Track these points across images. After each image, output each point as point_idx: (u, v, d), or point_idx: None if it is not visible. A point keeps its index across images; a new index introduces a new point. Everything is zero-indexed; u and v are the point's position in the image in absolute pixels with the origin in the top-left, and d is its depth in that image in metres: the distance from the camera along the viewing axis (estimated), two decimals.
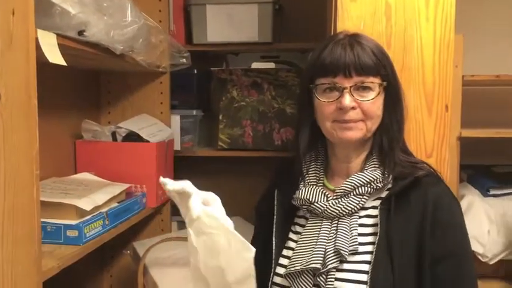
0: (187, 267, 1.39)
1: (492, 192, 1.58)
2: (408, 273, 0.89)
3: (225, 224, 0.87)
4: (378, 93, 0.95)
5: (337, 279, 0.92)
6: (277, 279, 0.99)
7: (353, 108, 0.95)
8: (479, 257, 1.47)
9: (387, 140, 0.98)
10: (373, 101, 0.95)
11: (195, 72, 1.77)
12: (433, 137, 1.09)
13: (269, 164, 1.62)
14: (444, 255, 0.90)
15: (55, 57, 0.95)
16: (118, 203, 1.35)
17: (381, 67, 0.95)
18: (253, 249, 0.84)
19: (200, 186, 2.24)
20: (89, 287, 1.69)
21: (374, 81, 0.95)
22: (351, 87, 0.94)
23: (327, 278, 0.92)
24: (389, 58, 0.99)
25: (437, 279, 0.89)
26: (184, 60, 1.57)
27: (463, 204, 1.51)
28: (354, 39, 0.97)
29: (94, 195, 1.23)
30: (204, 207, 0.89)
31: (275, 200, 1.06)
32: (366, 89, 0.95)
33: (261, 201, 1.13)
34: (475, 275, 0.94)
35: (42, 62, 0.90)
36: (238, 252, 0.82)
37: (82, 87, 1.62)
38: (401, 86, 1.01)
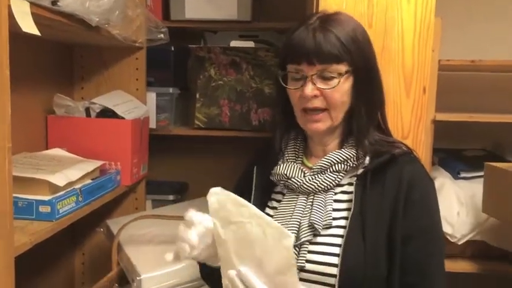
0: (163, 244, 1.40)
1: (462, 175, 1.62)
2: (379, 248, 0.91)
3: (255, 211, 0.81)
4: (340, 81, 0.94)
5: (310, 251, 0.94)
6: None
7: (315, 96, 0.95)
8: (449, 237, 1.51)
9: (356, 124, 0.98)
10: (335, 89, 0.94)
11: (172, 49, 1.74)
12: (410, 119, 1.11)
13: (246, 144, 1.62)
14: (415, 233, 0.92)
15: (28, 26, 0.91)
16: (92, 179, 1.32)
17: (345, 54, 0.93)
18: (292, 236, 0.80)
19: (176, 166, 2.23)
20: (61, 265, 1.66)
21: (337, 70, 0.94)
22: (313, 75, 0.95)
23: (300, 251, 0.94)
24: (361, 42, 0.96)
25: (407, 256, 0.91)
26: (162, 35, 1.53)
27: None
28: (323, 23, 0.95)
29: (67, 171, 1.20)
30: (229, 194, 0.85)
31: (254, 176, 1.06)
32: (329, 77, 0.95)
33: (240, 178, 1.13)
34: (443, 254, 0.96)
35: (14, 32, 0.86)
36: (275, 240, 0.77)
37: (55, 61, 1.56)
38: (376, 68, 0.99)
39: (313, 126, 0.98)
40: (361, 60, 0.96)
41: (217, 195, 0.84)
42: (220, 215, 0.85)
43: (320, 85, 0.95)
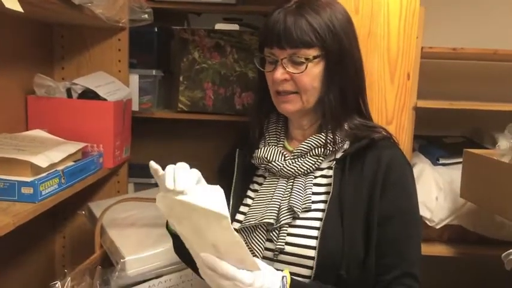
0: (146, 227, 1.40)
1: (441, 161, 1.65)
2: (357, 230, 0.93)
3: (194, 204, 0.81)
4: (307, 66, 0.94)
5: (289, 234, 0.95)
6: None
7: (285, 80, 0.97)
8: (427, 222, 1.55)
9: (327, 109, 0.98)
10: (303, 73, 0.95)
11: (156, 30, 1.71)
12: (394, 105, 1.12)
13: (229, 128, 1.62)
14: (392, 214, 0.93)
15: (11, 2, 0.88)
16: (74, 162, 1.30)
17: (316, 39, 0.94)
18: (227, 215, 0.79)
19: (158, 149, 2.22)
20: (41, 248, 1.64)
21: (306, 54, 0.95)
22: (283, 59, 0.96)
23: (280, 233, 0.95)
24: (336, 28, 0.95)
25: (384, 237, 0.93)
26: (146, 16, 1.50)
27: (414, 171, 1.57)
28: (298, 8, 0.95)
29: (49, 153, 1.18)
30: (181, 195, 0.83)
31: (236, 160, 1.07)
32: (298, 61, 0.95)
33: (223, 161, 1.14)
34: (420, 237, 0.98)
35: None
36: (217, 224, 0.79)
37: (34, 40, 1.52)
38: (353, 54, 0.99)
39: (283, 107, 1.00)
40: (335, 46, 0.95)
41: (163, 199, 0.84)
42: (172, 215, 0.87)
43: (290, 69, 0.96)
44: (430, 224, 1.56)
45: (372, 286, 0.93)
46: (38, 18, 1.47)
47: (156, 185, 1.82)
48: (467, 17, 1.81)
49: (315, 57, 0.95)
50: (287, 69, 0.96)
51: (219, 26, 1.69)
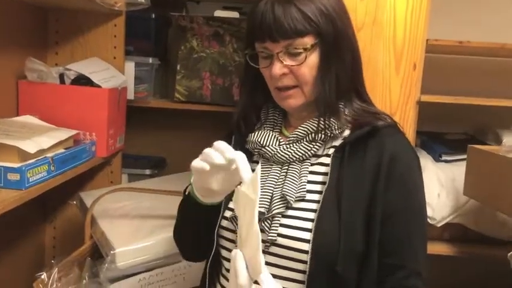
0: (138, 218, 1.35)
1: (444, 157, 1.61)
2: (356, 224, 0.86)
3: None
4: (306, 56, 0.89)
5: (281, 225, 0.90)
6: (224, 223, 0.97)
7: (284, 74, 0.91)
8: (428, 220, 1.50)
9: (321, 93, 0.92)
10: (303, 64, 0.90)
11: (153, 16, 1.66)
12: (398, 96, 1.08)
13: (226, 120, 1.57)
14: (398, 211, 0.87)
15: None
16: (65, 149, 1.26)
17: (309, 26, 0.88)
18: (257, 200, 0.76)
19: (153, 140, 2.17)
20: (31, 239, 1.60)
21: (303, 44, 0.89)
22: (278, 52, 0.90)
23: (272, 223, 0.90)
24: (329, 10, 0.90)
25: (388, 236, 0.86)
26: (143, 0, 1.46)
27: None
28: None
29: (39, 138, 1.13)
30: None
31: (231, 145, 1.02)
32: (295, 53, 0.90)
33: None
34: (426, 233, 0.92)
35: None
36: (250, 209, 0.76)
37: (28, 24, 1.47)
38: (348, 36, 0.93)
39: (286, 103, 0.95)
40: (329, 29, 0.90)
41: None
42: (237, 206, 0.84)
43: (287, 62, 0.91)
44: (431, 222, 1.52)
45: (374, 286, 0.87)
46: (33, 1, 1.42)
47: (150, 176, 1.78)
48: (473, 10, 1.76)
49: (312, 46, 0.90)
50: (284, 62, 0.91)
51: (218, 14, 1.64)
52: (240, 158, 0.82)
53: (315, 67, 0.92)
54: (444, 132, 1.79)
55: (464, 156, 1.58)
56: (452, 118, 1.81)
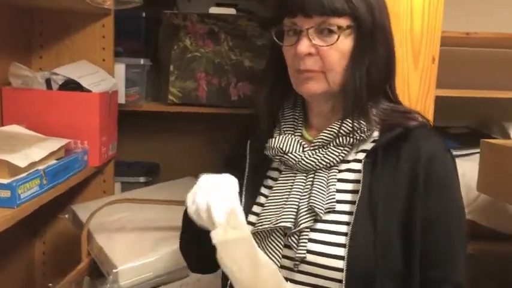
0: (137, 231, 1.26)
1: (453, 153, 1.56)
2: (393, 237, 0.80)
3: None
4: (339, 36, 0.82)
5: (311, 240, 0.82)
6: None
7: (310, 54, 0.83)
8: None
9: (351, 92, 0.84)
10: (333, 46, 0.82)
11: (144, 15, 1.57)
12: (418, 90, 1.02)
13: (224, 122, 1.49)
14: (438, 218, 0.81)
15: None
16: (56, 160, 1.16)
17: (348, 7, 0.81)
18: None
19: (146, 145, 2.07)
20: (19, 255, 1.49)
21: (338, 23, 0.81)
22: (308, 28, 0.82)
23: (300, 239, 0.82)
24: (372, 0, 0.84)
25: (428, 246, 0.80)
26: None
27: None
28: None
29: (29, 151, 1.04)
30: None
31: (247, 151, 0.94)
32: (329, 32, 0.82)
33: (230, 153, 1.00)
34: (466, 239, 0.86)
35: None
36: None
37: (10, 26, 1.37)
38: (387, 29, 0.87)
39: (305, 87, 0.85)
40: (368, 17, 0.83)
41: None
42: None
43: (317, 41, 0.82)
44: None
45: None
46: (15, 1, 1.32)
47: (145, 184, 1.69)
48: (480, 1, 1.72)
49: (347, 27, 0.82)
50: (313, 41, 0.82)
51: (213, 10, 1.56)
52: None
53: (346, 54, 0.83)
54: (447, 127, 1.74)
55: (473, 151, 1.54)
56: (452, 112, 1.75)
